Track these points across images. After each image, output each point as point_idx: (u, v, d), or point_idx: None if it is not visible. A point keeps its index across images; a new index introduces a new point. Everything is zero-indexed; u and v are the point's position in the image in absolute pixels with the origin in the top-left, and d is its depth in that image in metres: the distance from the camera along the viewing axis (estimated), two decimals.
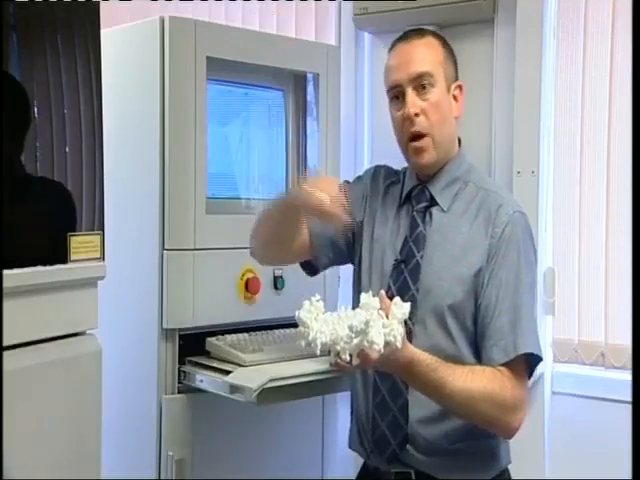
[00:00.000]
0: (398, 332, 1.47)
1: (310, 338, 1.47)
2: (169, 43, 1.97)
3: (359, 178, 1.94)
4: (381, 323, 1.46)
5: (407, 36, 1.80)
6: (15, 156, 1.46)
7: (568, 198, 2.34)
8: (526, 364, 1.67)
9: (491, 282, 1.67)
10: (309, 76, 2.28)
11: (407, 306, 1.50)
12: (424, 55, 1.75)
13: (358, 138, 2.67)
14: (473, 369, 1.63)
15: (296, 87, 2.30)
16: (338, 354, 1.48)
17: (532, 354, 1.66)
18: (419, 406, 1.69)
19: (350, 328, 1.45)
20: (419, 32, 1.81)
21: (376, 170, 1.92)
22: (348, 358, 1.47)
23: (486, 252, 1.68)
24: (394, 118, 1.77)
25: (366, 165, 2.67)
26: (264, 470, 2.13)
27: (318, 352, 1.48)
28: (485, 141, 2.44)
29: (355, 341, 1.45)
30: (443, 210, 1.75)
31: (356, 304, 1.53)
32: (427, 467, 1.70)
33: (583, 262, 2.32)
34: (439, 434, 1.69)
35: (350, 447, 1.86)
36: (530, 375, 1.69)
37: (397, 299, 1.51)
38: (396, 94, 1.75)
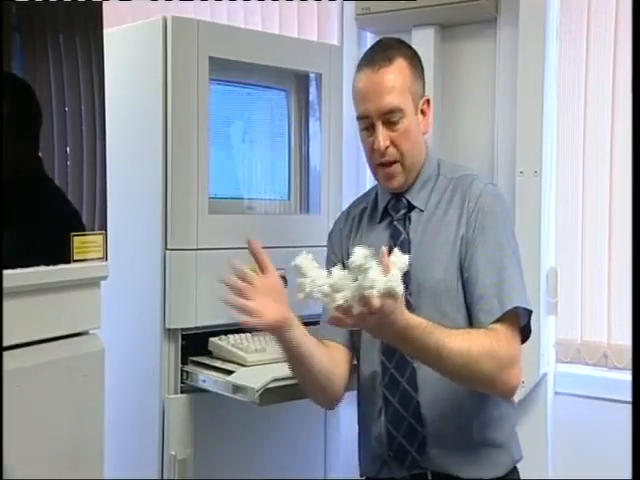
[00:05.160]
0: (398, 279, 1.43)
1: (307, 287, 1.43)
2: (172, 43, 1.97)
3: (332, 231, 1.96)
4: (379, 270, 1.41)
5: (374, 61, 1.76)
6: (20, 156, 1.46)
7: (571, 198, 2.34)
8: (517, 321, 1.67)
9: (471, 252, 1.70)
10: (311, 76, 2.28)
11: (406, 257, 1.46)
12: (393, 85, 1.73)
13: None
14: (468, 330, 1.65)
15: (299, 87, 2.30)
16: (338, 307, 1.43)
17: (523, 310, 1.67)
18: (430, 404, 1.70)
19: (350, 264, 1.40)
20: (386, 54, 1.76)
21: (347, 211, 1.95)
22: (348, 297, 1.41)
23: (465, 227, 1.71)
24: (364, 142, 1.79)
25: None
26: (266, 470, 2.13)
27: (317, 296, 1.43)
28: (488, 141, 2.45)
29: (354, 282, 1.40)
30: (421, 210, 1.78)
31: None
32: (443, 467, 1.71)
33: (586, 262, 2.32)
34: (453, 427, 1.70)
35: (362, 474, 1.85)
36: (527, 333, 1.70)
37: (396, 250, 1.48)
38: (366, 124, 1.76)
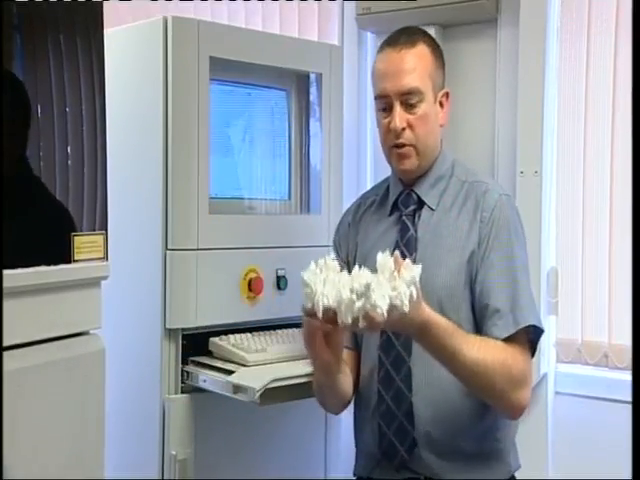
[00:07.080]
0: (405, 295, 1.42)
1: (314, 301, 1.44)
2: (172, 43, 1.97)
3: (340, 223, 1.95)
4: (389, 285, 1.42)
5: (397, 42, 1.75)
6: (18, 155, 1.46)
7: (571, 198, 2.34)
8: (528, 339, 1.67)
9: (484, 265, 1.68)
10: (312, 76, 2.28)
11: (418, 268, 1.45)
12: (414, 67, 1.72)
13: (361, 138, 2.67)
14: (485, 339, 1.63)
15: (299, 87, 2.30)
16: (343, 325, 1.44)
17: (533, 328, 1.66)
18: (424, 407, 1.69)
19: (351, 291, 1.41)
20: (410, 38, 1.76)
21: (357, 203, 1.93)
22: (350, 321, 1.42)
23: (477, 237, 1.70)
24: (380, 123, 1.78)
25: (369, 165, 2.67)
26: (267, 470, 2.13)
27: (320, 315, 1.44)
28: (488, 141, 2.45)
29: (358, 304, 1.41)
30: (431, 209, 1.77)
31: None
32: (436, 472, 1.69)
33: (586, 262, 2.32)
34: (446, 433, 1.69)
35: (354, 473, 1.85)
36: (534, 352, 1.69)
37: (407, 261, 1.47)
38: (383, 104, 1.75)
